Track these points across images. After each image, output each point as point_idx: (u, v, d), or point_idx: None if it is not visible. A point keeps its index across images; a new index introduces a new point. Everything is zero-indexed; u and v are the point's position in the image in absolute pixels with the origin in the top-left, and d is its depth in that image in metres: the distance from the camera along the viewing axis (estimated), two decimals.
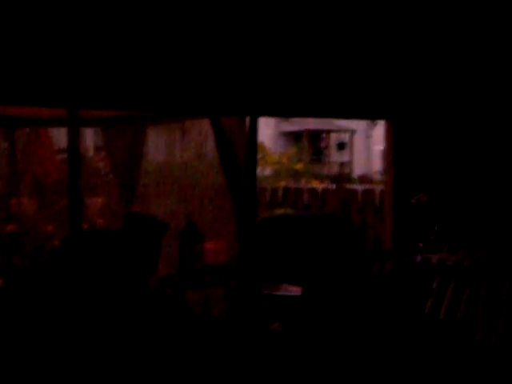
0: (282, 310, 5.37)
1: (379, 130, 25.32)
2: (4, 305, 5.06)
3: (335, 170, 24.17)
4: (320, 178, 16.21)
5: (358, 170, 24.50)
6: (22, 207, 8.97)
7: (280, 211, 7.35)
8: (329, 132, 26.41)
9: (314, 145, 25.59)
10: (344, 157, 26.29)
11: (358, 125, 25.83)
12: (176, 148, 7.72)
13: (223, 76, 4.85)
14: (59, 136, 15.51)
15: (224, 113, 5.11)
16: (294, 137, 25.06)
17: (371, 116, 5.79)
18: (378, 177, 20.89)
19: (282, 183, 7.35)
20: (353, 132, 26.28)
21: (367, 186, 10.73)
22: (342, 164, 25.42)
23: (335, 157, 25.98)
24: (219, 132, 5.31)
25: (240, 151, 5.26)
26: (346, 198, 8.08)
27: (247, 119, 5.40)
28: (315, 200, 8.22)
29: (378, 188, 8.05)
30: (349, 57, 5.38)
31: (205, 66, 4.72)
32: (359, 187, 9.98)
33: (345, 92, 5.56)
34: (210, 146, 9.36)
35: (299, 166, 16.07)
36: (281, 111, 5.29)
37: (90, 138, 17.28)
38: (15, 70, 3.95)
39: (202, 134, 8.51)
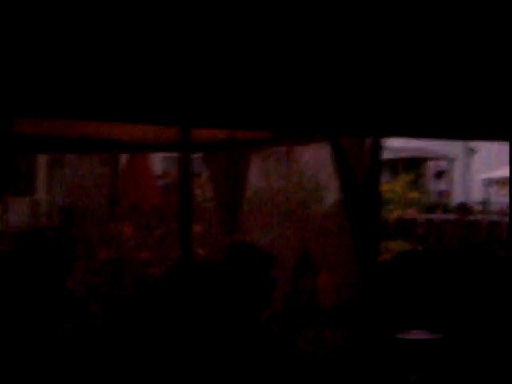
0: (416, 357, 4.78)
1: (478, 157, 24.25)
2: (105, 336, 4.73)
3: (433, 199, 23.24)
4: (417, 206, 15.41)
5: (455, 199, 23.49)
6: (120, 233, 8.79)
7: (396, 243, 6.77)
8: (425, 160, 25.52)
9: (408, 173, 24.79)
10: (441, 185, 25.31)
11: (456, 152, 24.85)
12: (282, 174, 7.33)
13: (345, 95, 4.37)
14: (155, 162, 15.50)
15: (345, 133, 4.63)
16: (390, 165, 24.33)
17: (496, 137, 5.14)
18: (479, 207, 19.83)
19: (395, 213, 6.76)
20: (452, 160, 25.28)
21: (493, 218, 9.97)
22: (440, 193, 24.45)
23: (432, 185, 25.02)
24: (339, 153, 4.82)
25: (360, 175, 4.75)
26: (468, 231, 7.43)
27: (367, 140, 4.90)
28: (432, 231, 7.62)
29: (505, 220, 7.35)
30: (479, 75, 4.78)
31: (327, 86, 4.27)
32: (483, 218, 9.25)
33: (476, 110, 4.94)
34: (321, 170, 8.91)
35: (414, 195, 15.07)
36: (406, 131, 4.75)
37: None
38: (127, 85, 3.62)
39: (311, 158, 8.08)
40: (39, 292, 4.78)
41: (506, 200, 4.77)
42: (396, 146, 4.84)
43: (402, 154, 24.20)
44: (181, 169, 4.17)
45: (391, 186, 7.10)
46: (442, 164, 25.81)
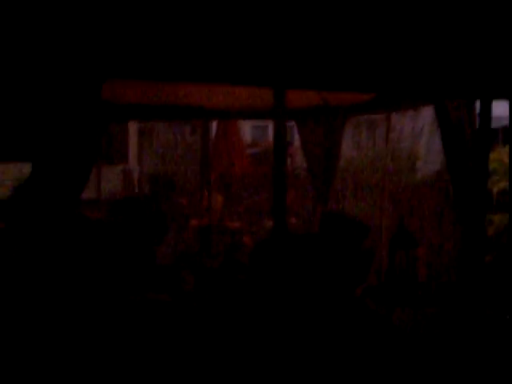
0: None
1: None
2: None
3: None
4: None
5: None
6: (211, 202, 8.73)
7: (501, 217, 6.34)
8: None
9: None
10: None
11: None
12: (380, 142, 7.04)
13: (452, 53, 4.04)
14: (244, 131, 15.39)
15: (451, 95, 4.28)
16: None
17: None
18: None
19: (501, 185, 6.31)
20: None
21: None
22: None
23: None
24: (444, 118, 4.47)
25: (467, 141, 4.40)
26: None
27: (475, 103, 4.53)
28: None
29: None
30: None
31: (432, 46, 3.96)
32: None
33: None
34: (417, 139, 8.54)
35: None
36: None
37: (271, 131, 17.05)
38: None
39: (407, 126, 7.73)
40: (131, 259, 4.74)
41: None
42: (497, 113, 4.50)
43: (504, 123, 22.98)
44: (275, 136, 3.97)
45: (498, 156, 6.66)
46: None
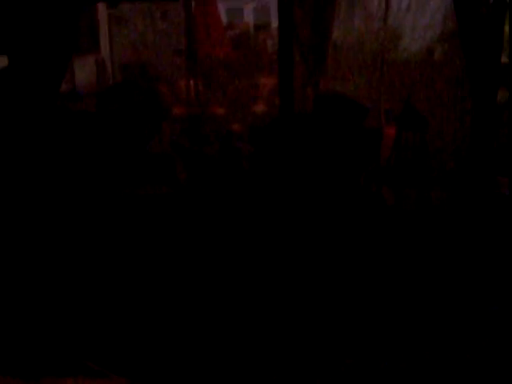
0: None
1: None
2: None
3: None
4: None
5: None
6: (192, 89, 8.36)
7: None
8: None
9: None
10: None
11: None
12: (377, 15, 6.65)
13: None
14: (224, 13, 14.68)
15: None
16: None
17: None
18: None
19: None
20: None
21: None
22: None
23: None
24: None
25: (481, 10, 4.09)
26: None
27: None
28: None
29: None
30: None
31: None
32: None
33: None
34: (408, 14, 8.13)
35: None
36: None
37: (249, 13, 16.32)
38: None
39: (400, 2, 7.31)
40: (124, 149, 4.47)
41: None
42: None
43: None
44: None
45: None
46: None
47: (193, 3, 8.54)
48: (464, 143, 4.53)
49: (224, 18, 17.66)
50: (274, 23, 10.70)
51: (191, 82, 8.29)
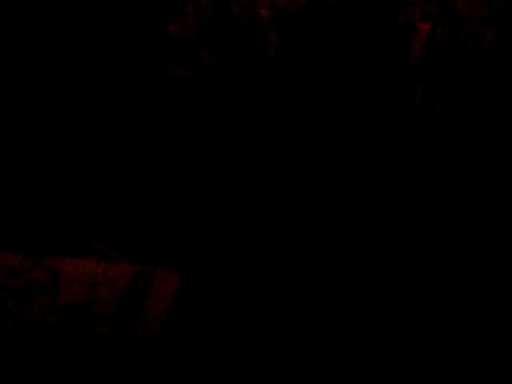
0: None
1: None
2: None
3: None
4: None
5: None
6: None
7: None
8: None
9: None
10: None
11: None
12: None
13: None
14: None
15: None
16: None
17: None
18: None
19: None
20: None
21: None
22: None
23: None
24: None
25: None
26: None
27: None
28: None
29: None
30: None
31: None
32: None
33: None
34: None
35: None
36: None
37: None
38: None
39: None
40: (144, 32, 4.31)
41: None
42: None
43: None
44: None
45: None
46: None
47: None
48: (503, 48, 4.31)
49: None
50: None
51: None
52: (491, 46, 4.51)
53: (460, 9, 4.29)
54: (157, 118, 3.91)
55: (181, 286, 2.02)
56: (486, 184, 3.81)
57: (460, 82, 4.34)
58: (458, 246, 3.27)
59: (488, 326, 2.79)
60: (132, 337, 1.87)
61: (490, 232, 3.35)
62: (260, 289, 2.80)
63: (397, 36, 4.14)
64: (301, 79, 3.92)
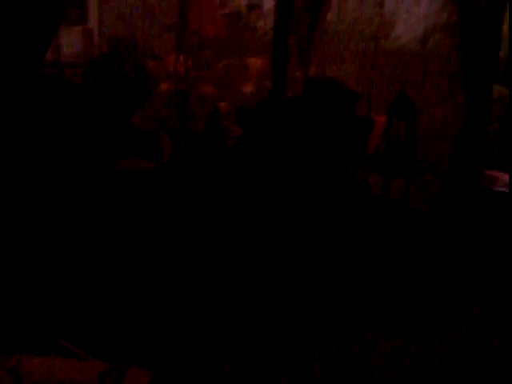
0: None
1: None
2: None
3: None
4: None
5: None
6: (180, 66, 8.23)
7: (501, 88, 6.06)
8: None
9: None
10: None
11: None
12: (372, 1, 6.56)
13: None
14: None
15: None
16: None
17: None
18: None
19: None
20: None
21: None
22: None
23: None
24: None
25: (479, 9, 4.02)
26: None
27: None
28: None
29: None
30: None
31: None
32: None
33: None
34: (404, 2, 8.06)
35: None
36: None
37: None
38: None
39: None
40: (109, 122, 4.36)
41: None
42: None
43: None
44: None
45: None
46: None
47: None
48: (456, 135, 4.49)
49: None
50: (267, 4, 10.57)
51: (180, 58, 8.15)
52: (444, 136, 4.70)
53: (413, 98, 4.48)
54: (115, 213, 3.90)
55: None
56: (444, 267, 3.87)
57: (415, 171, 4.47)
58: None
59: None
60: None
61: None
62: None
63: (355, 129, 4.27)
64: (260, 171, 3.98)
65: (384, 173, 4.33)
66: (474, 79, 4.10)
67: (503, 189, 4.63)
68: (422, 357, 2.97)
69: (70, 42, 10.83)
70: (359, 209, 4.01)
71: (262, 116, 4.15)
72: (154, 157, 4.50)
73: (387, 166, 4.37)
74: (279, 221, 3.92)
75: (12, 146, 3.66)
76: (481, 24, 3.99)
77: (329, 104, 4.62)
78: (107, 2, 14.19)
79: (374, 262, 3.85)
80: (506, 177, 4.71)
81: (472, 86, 4.14)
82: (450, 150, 4.52)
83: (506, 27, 4.71)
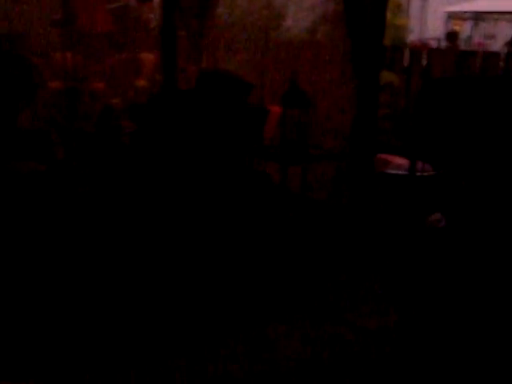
0: (398, 191, 4.50)
1: None
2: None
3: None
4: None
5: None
6: (69, 63, 7.96)
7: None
8: None
9: None
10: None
11: None
12: None
13: None
14: None
15: None
16: None
17: None
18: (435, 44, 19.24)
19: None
20: None
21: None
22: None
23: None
24: None
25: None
26: (461, 60, 6.96)
27: None
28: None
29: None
30: None
31: None
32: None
33: None
34: None
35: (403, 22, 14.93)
36: None
37: None
38: None
39: None
40: None
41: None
42: None
43: None
44: None
45: None
46: None
47: None
48: (348, 121, 4.59)
49: None
50: None
51: (68, 54, 7.88)
52: (336, 123, 4.80)
53: (305, 88, 4.54)
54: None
55: None
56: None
57: (310, 158, 4.54)
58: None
59: None
60: None
61: None
62: None
63: (249, 119, 4.28)
64: (156, 165, 3.92)
65: (280, 161, 4.37)
66: (362, 67, 4.20)
67: (395, 171, 4.78)
68: (329, 342, 3.01)
69: None
70: (256, 199, 4.02)
71: (155, 110, 4.08)
72: (45, 157, 4.33)
73: (283, 154, 4.41)
74: (178, 215, 3.87)
75: None
76: (367, 12, 4.09)
77: (222, 95, 4.60)
78: None
79: (275, 252, 3.87)
80: (397, 159, 4.87)
81: (361, 73, 4.24)
82: (343, 136, 4.62)
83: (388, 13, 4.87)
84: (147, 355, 2.80)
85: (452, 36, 11.26)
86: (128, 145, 4.31)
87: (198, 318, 3.18)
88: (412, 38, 21.51)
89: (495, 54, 7.24)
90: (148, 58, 8.75)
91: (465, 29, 19.23)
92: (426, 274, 3.77)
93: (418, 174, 4.47)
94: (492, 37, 18.79)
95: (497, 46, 15.26)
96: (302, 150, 4.46)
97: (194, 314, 3.20)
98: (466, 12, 18.40)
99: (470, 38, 16.77)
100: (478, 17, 18.35)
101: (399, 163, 4.81)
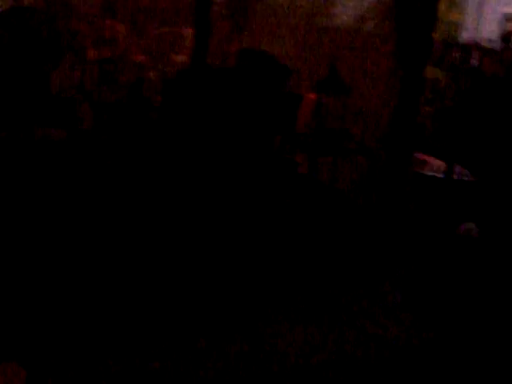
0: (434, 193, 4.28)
1: None
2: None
3: None
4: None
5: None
6: (113, 31, 7.86)
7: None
8: None
9: None
10: None
11: None
12: None
13: None
14: None
15: None
16: None
17: None
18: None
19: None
20: None
21: None
22: None
23: None
24: None
25: None
26: None
27: None
28: None
29: None
30: None
31: None
32: None
33: None
34: None
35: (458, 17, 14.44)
36: None
37: None
38: None
39: None
40: (20, 83, 4.04)
41: None
42: None
43: None
44: None
45: None
46: None
47: None
48: (387, 115, 4.37)
49: None
50: None
51: (112, 23, 7.77)
52: (375, 116, 4.58)
53: (346, 77, 4.34)
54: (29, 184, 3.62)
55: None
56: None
57: (344, 150, 4.35)
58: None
59: None
60: None
61: None
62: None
63: (283, 105, 4.10)
64: (182, 145, 3.77)
65: (310, 151, 4.18)
66: (407, 60, 3.98)
67: (432, 173, 4.57)
68: (337, 346, 2.85)
69: None
70: (282, 186, 3.85)
71: (182, 86, 3.92)
72: (69, 125, 4.21)
73: (314, 144, 4.22)
74: (202, 196, 3.72)
75: None
76: (417, 4, 3.87)
77: (260, 77, 4.43)
78: None
79: (296, 244, 3.71)
80: (435, 161, 4.65)
81: (406, 67, 4.02)
82: (380, 131, 4.41)
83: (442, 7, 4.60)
84: (147, 355, 2.67)
85: (507, 37, 10.83)
86: (155, 120, 4.17)
87: (198, 317, 3.04)
88: (465, 35, 20.84)
89: None
90: (190, 33, 8.62)
91: None
92: (451, 283, 3.56)
93: (455, 178, 4.24)
94: None
95: None
96: (333, 141, 4.26)
97: (193, 313, 3.06)
98: None
99: None
100: None
101: (437, 165, 4.59)
